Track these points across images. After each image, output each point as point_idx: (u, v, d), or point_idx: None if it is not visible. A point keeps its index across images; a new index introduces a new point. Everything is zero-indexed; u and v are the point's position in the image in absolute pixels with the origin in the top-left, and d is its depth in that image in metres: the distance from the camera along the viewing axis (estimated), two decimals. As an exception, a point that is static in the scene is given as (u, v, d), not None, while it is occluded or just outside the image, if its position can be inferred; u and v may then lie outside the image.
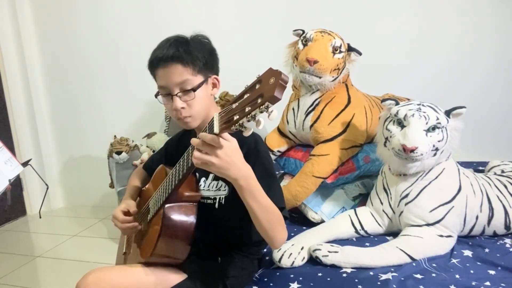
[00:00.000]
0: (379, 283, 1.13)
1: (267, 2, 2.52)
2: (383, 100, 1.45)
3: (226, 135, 0.84)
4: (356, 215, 1.48)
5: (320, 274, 1.21)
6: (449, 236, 1.33)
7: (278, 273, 1.24)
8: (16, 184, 3.06)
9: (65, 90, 3.13)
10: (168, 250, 1.09)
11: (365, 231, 1.46)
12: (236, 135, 0.85)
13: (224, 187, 1.12)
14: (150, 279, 1.09)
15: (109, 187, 2.59)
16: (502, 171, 1.65)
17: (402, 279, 1.14)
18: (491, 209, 1.39)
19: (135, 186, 1.38)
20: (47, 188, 2.04)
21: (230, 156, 0.85)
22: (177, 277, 1.11)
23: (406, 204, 1.37)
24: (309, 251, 1.30)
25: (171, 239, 1.07)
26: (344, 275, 1.19)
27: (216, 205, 1.13)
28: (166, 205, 1.07)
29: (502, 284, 1.10)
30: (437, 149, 1.32)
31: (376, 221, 1.47)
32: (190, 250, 1.12)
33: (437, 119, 1.30)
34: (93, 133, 3.13)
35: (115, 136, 2.46)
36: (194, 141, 0.85)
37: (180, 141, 1.32)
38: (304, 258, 1.29)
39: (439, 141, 1.31)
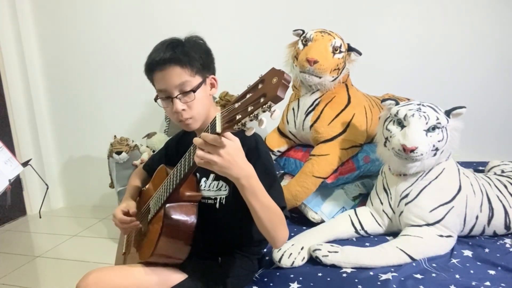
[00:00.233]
0: (379, 283, 1.13)
1: (267, 2, 2.52)
2: (383, 100, 1.46)
3: (228, 134, 0.84)
4: (356, 215, 1.48)
5: (320, 274, 1.21)
6: (449, 236, 1.33)
7: (278, 273, 1.25)
8: (16, 184, 3.06)
9: (65, 90, 3.13)
10: (168, 250, 1.09)
11: (365, 231, 1.46)
12: (236, 135, 0.85)
13: (225, 187, 1.12)
14: (150, 279, 1.09)
15: (109, 187, 2.59)
16: (502, 171, 1.65)
17: (402, 279, 1.14)
18: (491, 209, 1.40)
19: (135, 186, 1.38)
20: (47, 188, 2.04)
21: (232, 156, 0.85)
22: (177, 277, 1.11)
23: (406, 204, 1.37)
24: (309, 251, 1.30)
25: (172, 238, 1.07)
26: (344, 275, 1.19)
27: (217, 205, 1.13)
28: (167, 205, 1.07)
29: (502, 284, 1.10)
30: (437, 149, 1.32)
31: (376, 221, 1.47)
32: (191, 250, 1.12)
33: (437, 119, 1.30)
34: (93, 133, 3.13)
35: (115, 136, 2.46)
36: (196, 140, 0.85)
37: (180, 142, 1.32)
38: (304, 258, 1.29)
39: (439, 141, 1.31)
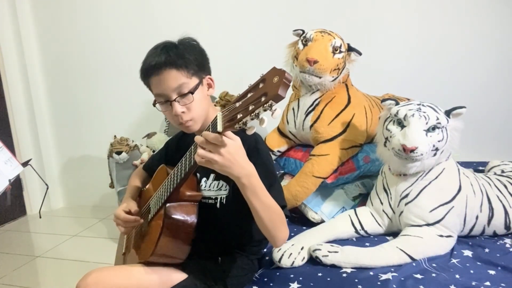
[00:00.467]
0: (379, 283, 1.13)
1: (267, 2, 2.52)
2: (383, 100, 1.45)
3: (229, 133, 0.84)
4: (356, 215, 1.48)
5: (320, 274, 1.21)
6: (449, 236, 1.33)
7: (278, 273, 1.24)
8: (16, 184, 3.06)
9: (65, 90, 3.14)
10: (168, 250, 1.09)
11: (365, 231, 1.46)
12: (236, 134, 0.86)
13: (225, 187, 1.12)
14: (150, 279, 1.09)
15: (109, 187, 2.59)
16: (502, 171, 1.65)
17: (402, 279, 1.14)
18: (491, 209, 1.40)
19: (136, 186, 1.38)
20: (47, 188, 2.04)
21: (233, 155, 0.85)
22: (178, 276, 1.11)
23: (406, 204, 1.37)
24: (309, 251, 1.30)
25: (172, 238, 1.07)
26: (344, 275, 1.19)
27: (218, 205, 1.13)
28: (168, 204, 1.07)
29: (502, 284, 1.10)
30: (437, 149, 1.32)
31: (376, 221, 1.47)
32: (191, 250, 1.12)
33: (437, 119, 1.30)
34: (93, 133, 3.14)
35: (115, 136, 2.46)
36: (198, 138, 0.86)
37: (180, 142, 1.32)
38: (304, 258, 1.29)
39: (439, 141, 1.31)
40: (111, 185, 2.54)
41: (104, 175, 2.64)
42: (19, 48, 3.02)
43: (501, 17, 2.18)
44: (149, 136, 2.55)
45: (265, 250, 1.35)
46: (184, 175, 1.01)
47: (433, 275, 1.16)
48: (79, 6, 2.94)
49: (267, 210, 0.95)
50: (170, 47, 1.07)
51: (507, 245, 1.34)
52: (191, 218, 1.08)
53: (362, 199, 1.69)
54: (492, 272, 1.18)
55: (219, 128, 0.80)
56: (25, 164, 1.63)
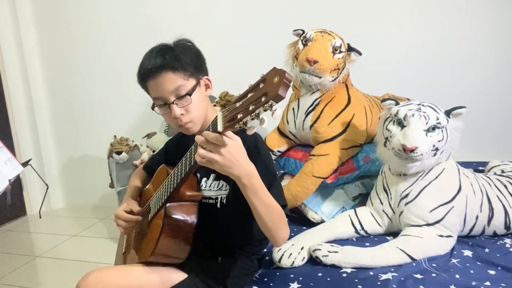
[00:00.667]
0: (379, 283, 1.13)
1: (267, 2, 2.52)
2: (383, 100, 1.46)
3: (230, 133, 0.85)
4: (356, 215, 1.48)
5: (320, 274, 1.21)
6: (449, 236, 1.33)
7: (278, 273, 1.25)
8: (16, 184, 3.06)
9: (65, 90, 3.13)
10: (169, 249, 1.09)
11: (365, 231, 1.46)
12: (236, 134, 0.86)
13: (226, 187, 1.12)
14: (150, 278, 1.09)
15: (109, 187, 2.59)
16: (502, 171, 1.65)
17: (402, 279, 1.14)
18: (491, 209, 1.40)
19: (136, 186, 1.38)
20: (47, 188, 2.04)
21: (233, 154, 0.85)
22: (178, 276, 1.11)
23: (406, 204, 1.37)
24: (309, 251, 1.30)
25: (172, 238, 1.07)
26: (344, 275, 1.19)
27: (218, 205, 1.13)
28: (168, 204, 1.07)
29: (502, 284, 1.10)
30: (437, 149, 1.32)
31: (376, 221, 1.47)
32: (191, 250, 1.12)
33: (437, 119, 1.30)
34: (93, 133, 3.13)
35: (115, 136, 2.46)
36: (198, 138, 0.86)
37: (180, 142, 1.32)
38: (304, 258, 1.29)
39: (439, 141, 1.31)
40: (111, 185, 2.54)
41: (104, 175, 2.64)
42: (19, 48, 3.02)
43: (501, 17, 2.18)
44: (149, 136, 2.55)
45: (265, 250, 1.35)
46: (184, 175, 1.01)
47: (433, 275, 1.16)
48: (79, 6, 2.94)
49: (267, 210, 0.95)
50: (166, 49, 1.07)
51: (507, 245, 1.34)
52: (191, 218, 1.09)
53: (362, 199, 1.69)
54: (492, 272, 1.18)
55: (220, 128, 0.80)
56: (25, 164, 1.63)
